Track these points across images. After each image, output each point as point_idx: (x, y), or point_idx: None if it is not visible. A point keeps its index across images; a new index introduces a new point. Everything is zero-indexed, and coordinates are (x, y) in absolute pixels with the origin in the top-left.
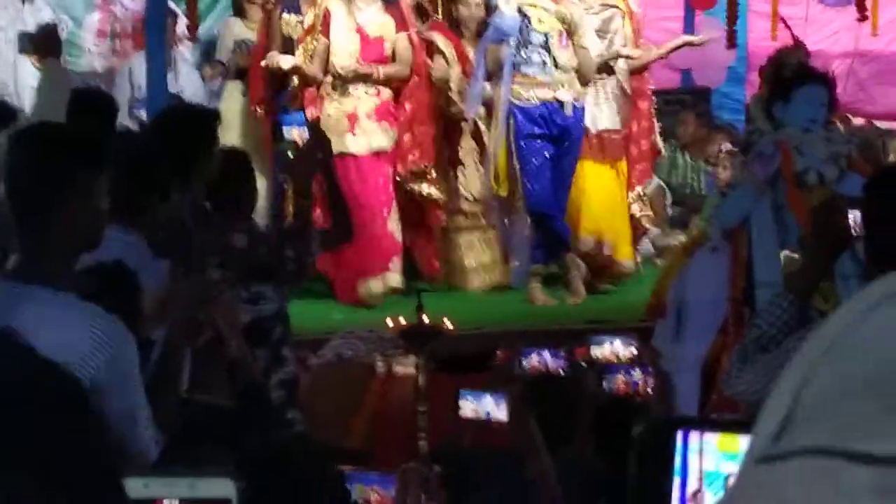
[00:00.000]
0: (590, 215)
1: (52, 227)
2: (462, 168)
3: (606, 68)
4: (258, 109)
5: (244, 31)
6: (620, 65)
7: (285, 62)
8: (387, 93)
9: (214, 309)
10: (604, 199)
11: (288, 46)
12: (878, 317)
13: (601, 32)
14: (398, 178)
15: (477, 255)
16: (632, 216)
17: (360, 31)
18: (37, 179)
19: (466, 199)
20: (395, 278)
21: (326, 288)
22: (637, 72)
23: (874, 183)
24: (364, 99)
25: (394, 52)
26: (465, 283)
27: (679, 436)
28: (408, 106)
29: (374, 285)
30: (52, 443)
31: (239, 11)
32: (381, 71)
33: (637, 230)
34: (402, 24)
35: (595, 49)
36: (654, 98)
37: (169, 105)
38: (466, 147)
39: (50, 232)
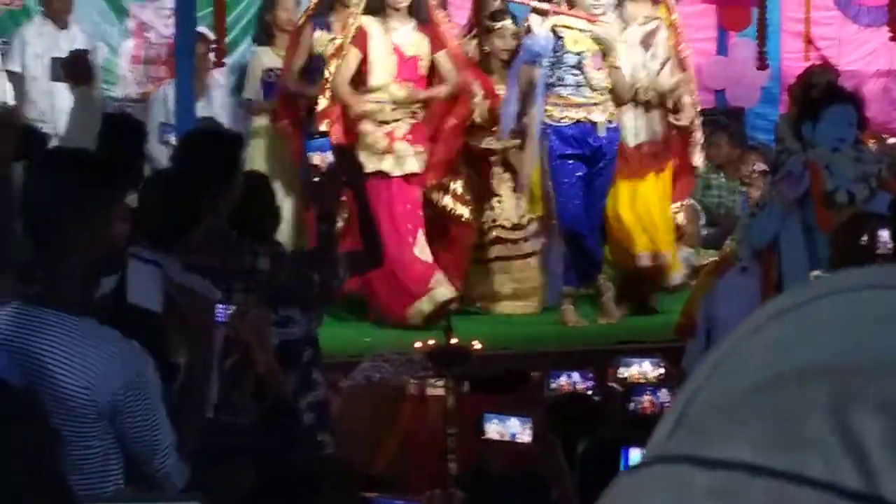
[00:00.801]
0: (643, 231)
1: (68, 252)
2: (498, 197)
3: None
4: (287, 125)
5: (273, 60)
6: (661, 80)
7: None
8: (422, 115)
9: (242, 326)
10: (653, 212)
11: (317, 64)
12: (761, 335)
13: (644, 45)
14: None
15: (516, 283)
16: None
17: (396, 50)
18: (52, 204)
19: (504, 227)
20: (441, 292)
21: (356, 311)
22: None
23: None
24: (402, 120)
25: (433, 70)
26: (503, 311)
27: (624, 453)
28: (451, 120)
29: (423, 306)
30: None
31: (268, 38)
32: (434, 94)
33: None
34: (438, 43)
35: (631, 66)
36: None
37: (192, 129)
38: (500, 177)
39: (67, 256)
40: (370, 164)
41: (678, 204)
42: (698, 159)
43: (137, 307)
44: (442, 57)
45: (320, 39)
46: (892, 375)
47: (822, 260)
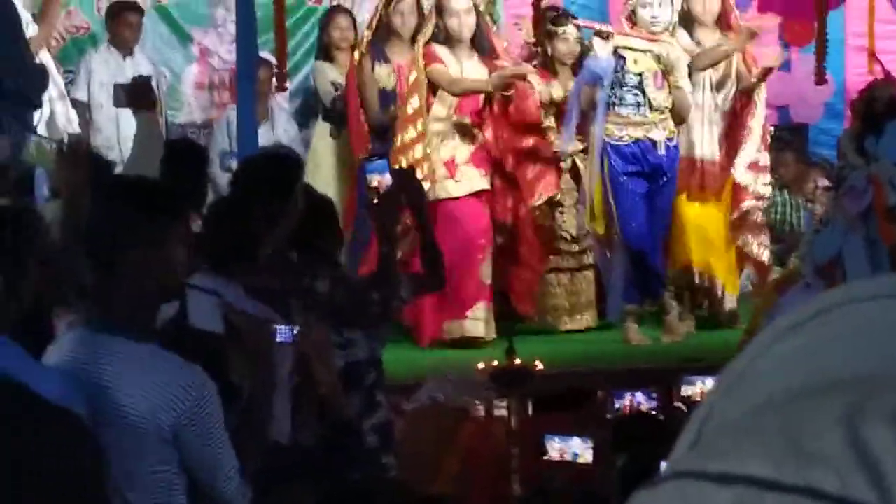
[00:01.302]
0: (698, 249)
1: (130, 278)
2: (561, 208)
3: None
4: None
5: (336, 75)
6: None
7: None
8: (481, 139)
9: (305, 346)
10: (708, 233)
11: (383, 98)
12: (777, 348)
13: (716, 89)
14: (535, 212)
15: (574, 296)
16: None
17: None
18: (113, 231)
19: (565, 238)
20: (475, 326)
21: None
22: (746, 93)
23: None
24: (461, 147)
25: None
26: (561, 325)
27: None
28: (521, 142)
29: (454, 328)
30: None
31: (327, 57)
32: (516, 71)
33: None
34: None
35: (688, 88)
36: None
37: (250, 154)
38: (565, 186)
39: (128, 282)
40: (436, 190)
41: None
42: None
43: (199, 331)
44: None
45: (379, 73)
46: None
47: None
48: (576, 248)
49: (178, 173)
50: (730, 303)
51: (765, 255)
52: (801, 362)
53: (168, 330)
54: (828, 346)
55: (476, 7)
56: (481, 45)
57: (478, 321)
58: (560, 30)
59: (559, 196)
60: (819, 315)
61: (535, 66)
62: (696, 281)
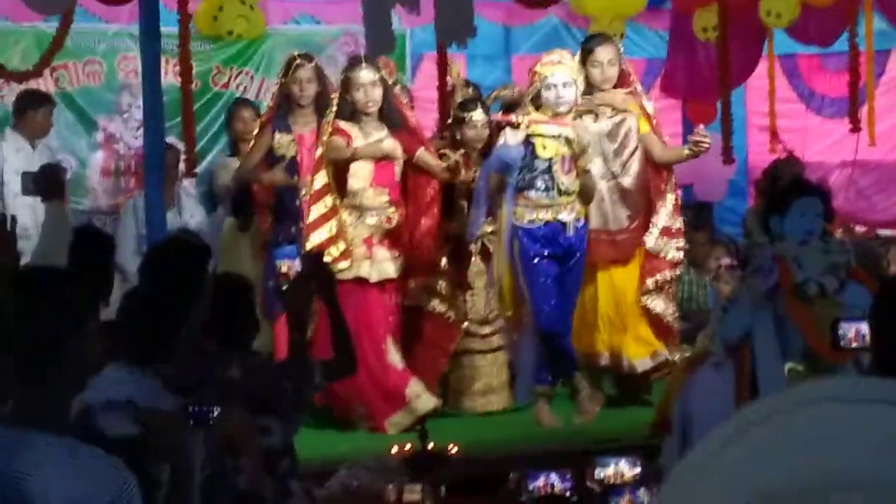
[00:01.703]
0: (604, 328)
1: (52, 371)
2: (471, 290)
3: (610, 174)
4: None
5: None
6: (632, 170)
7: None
8: (396, 219)
9: (227, 428)
10: (615, 304)
11: (276, 164)
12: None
13: (611, 136)
14: (406, 301)
15: (485, 378)
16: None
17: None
18: (35, 323)
19: (473, 320)
20: (422, 404)
21: (328, 418)
22: (659, 167)
23: (882, 295)
24: (378, 227)
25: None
26: (473, 408)
27: None
28: (424, 221)
29: (402, 419)
30: None
31: (234, 150)
32: (433, 164)
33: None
34: (414, 142)
35: (598, 166)
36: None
37: (157, 243)
38: (475, 269)
39: (50, 376)
40: (349, 270)
41: (648, 282)
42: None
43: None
44: (424, 154)
45: (280, 141)
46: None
47: (795, 352)
48: (486, 330)
49: (85, 262)
50: (641, 366)
51: (675, 326)
52: (749, 472)
53: (82, 422)
54: (775, 454)
55: (384, 80)
56: (391, 119)
57: (421, 397)
58: (468, 115)
59: (469, 278)
60: (773, 416)
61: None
62: (603, 362)
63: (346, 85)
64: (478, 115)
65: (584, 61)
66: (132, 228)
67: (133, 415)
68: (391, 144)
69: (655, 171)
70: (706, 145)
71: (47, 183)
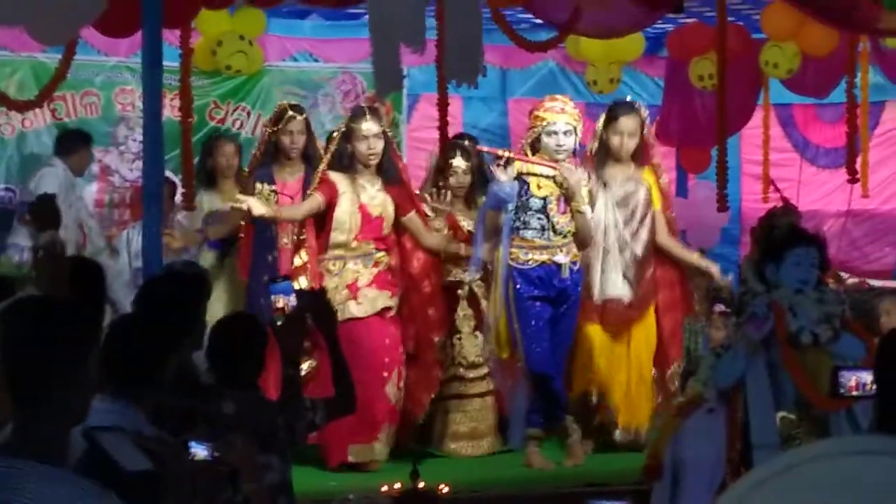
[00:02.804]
0: (595, 376)
1: (51, 401)
2: (459, 335)
3: (620, 241)
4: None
5: (218, 202)
6: (642, 238)
7: (257, 208)
8: (384, 263)
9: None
10: (609, 364)
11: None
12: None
13: (622, 204)
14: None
15: (472, 423)
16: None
17: (362, 208)
18: (34, 352)
19: (462, 365)
20: (381, 450)
21: (318, 454)
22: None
23: (885, 347)
24: (363, 272)
25: (402, 231)
26: (459, 451)
27: None
28: (426, 288)
29: (362, 452)
30: None
31: (210, 184)
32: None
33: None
34: (408, 203)
35: (605, 225)
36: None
37: (153, 274)
38: (462, 314)
39: (49, 406)
40: (340, 313)
41: (674, 367)
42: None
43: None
44: (414, 219)
45: (262, 192)
46: None
47: (788, 400)
48: (474, 374)
49: (78, 293)
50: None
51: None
52: None
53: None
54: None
55: (385, 133)
56: (388, 173)
57: (383, 445)
58: (451, 162)
59: (457, 323)
60: (788, 470)
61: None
62: (593, 404)
63: (349, 135)
64: (458, 161)
65: (606, 126)
66: (125, 260)
67: (138, 442)
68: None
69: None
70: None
71: (41, 213)
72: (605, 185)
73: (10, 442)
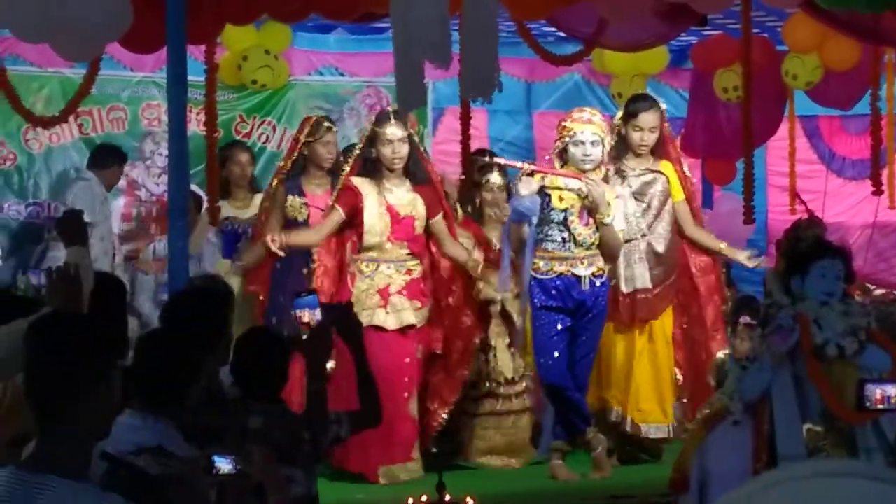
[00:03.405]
0: (616, 385)
1: (74, 417)
2: (493, 350)
3: (641, 233)
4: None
5: (231, 210)
6: (659, 230)
7: (281, 252)
8: (418, 271)
9: (250, 467)
10: (627, 364)
11: (290, 227)
12: None
13: (639, 195)
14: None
15: (505, 438)
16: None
17: (390, 209)
18: (60, 368)
19: (498, 382)
20: (416, 468)
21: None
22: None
23: None
24: (395, 277)
25: (430, 235)
26: (488, 464)
27: None
28: (456, 291)
29: (399, 472)
30: None
31: (226, 193)
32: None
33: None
34: (437, 204)
35: (620, 222)
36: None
37: (180, 288)
38: (496, 329)
39: (72, 421)
40: (367, 318)
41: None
42: None
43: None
44: (440, 222)
45: (293, 204)
46: None
47: (814, 412)
48: (510, 391)
49: (102, 308)
50: (658, 433)
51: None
52: None
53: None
54: None
55: (410, 136)
56: (416, 175)
57: (417, 463)
58: (484, 179)
59: (491, 339)
60: (765, 490)
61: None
62: (613, 418)
63: (374, 139)
64: (494, 177)
65: (626, 121)
66: (151, 274)
67: (160, 460)
68: (333, 225)
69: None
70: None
71: (70, 228)
72: (623, 177)
73: (34, 456)
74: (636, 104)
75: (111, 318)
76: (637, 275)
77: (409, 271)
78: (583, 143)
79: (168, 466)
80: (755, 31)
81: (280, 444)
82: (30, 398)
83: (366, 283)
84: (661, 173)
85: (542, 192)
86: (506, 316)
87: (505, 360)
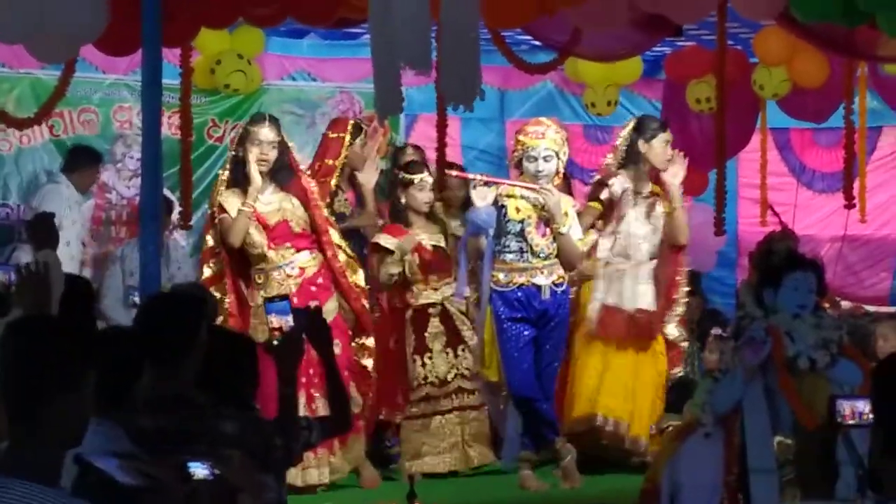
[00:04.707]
0: (609, 395)
1: (44, 421)
2: (429, 353)
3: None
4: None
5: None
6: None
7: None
8: (313, 265)
9: (229, 472)
10: (627, 380)
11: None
12: None
13: (646, 217)
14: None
15: (437, 439)
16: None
17: (259, 219)
18: (31, 372)
19: (433, 384)
20: (325, 473)
21: None
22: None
23: (881, 372)
24: (287, 281)
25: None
26: (424, 469)
27: None
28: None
29: (312, 475)
30: None
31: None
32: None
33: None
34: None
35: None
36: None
37: (153, 294)
38: (435, 331)
39: (43, 426)
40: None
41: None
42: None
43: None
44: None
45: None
46: None
47: (785, 425)
48: (442, 391)
49: (70, 311)
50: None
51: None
52: None
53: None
54: None
55: (283, 144)
56: (278, 177)
57: (325, 469)
58: (416, 178)
59: (427, 341)
60: None
61: (382, 223)
62: (600, 425)
63: (244, 138)
64: (426, 176)
65: (648, 140)
66: (119, 277)
67: (131, 465)
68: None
69: (673, 257)
70: None
71: (39, 232)
72: (635, 200)
73: (4, 460)
74: (656, 126)
75: (80, 321)
76: (641, 294)
77: (301, 270)
78: (535, 158)
79: (139, 473)
80: (729, 43)
81: (254, 449)
82: (3, 401)
83: (261, 297)
84: (657, 195)
85: (498, 203)
86: (445, 318)
87: (440, 362)
